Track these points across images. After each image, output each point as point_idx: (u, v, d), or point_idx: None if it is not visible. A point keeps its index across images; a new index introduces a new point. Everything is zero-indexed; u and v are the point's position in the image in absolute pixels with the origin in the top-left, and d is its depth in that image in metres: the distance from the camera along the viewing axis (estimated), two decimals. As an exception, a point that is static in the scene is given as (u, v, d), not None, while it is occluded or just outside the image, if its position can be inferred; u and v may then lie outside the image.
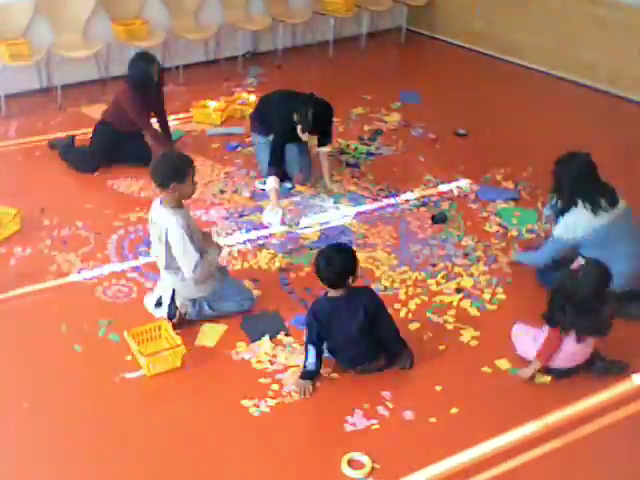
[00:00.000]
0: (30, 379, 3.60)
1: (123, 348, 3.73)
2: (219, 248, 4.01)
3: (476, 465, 3.21)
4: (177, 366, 3.62)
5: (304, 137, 5.01)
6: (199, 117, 6.32)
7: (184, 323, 3.86)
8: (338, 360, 3.63)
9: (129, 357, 3.69)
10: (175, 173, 3.68)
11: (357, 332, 3.47)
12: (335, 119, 5.39)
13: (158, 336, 3.77)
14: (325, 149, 5.24)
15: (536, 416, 3.44)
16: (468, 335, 3.92)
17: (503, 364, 3.74)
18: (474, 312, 4.11)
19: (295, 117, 4.91)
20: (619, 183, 5.51)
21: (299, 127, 4.92)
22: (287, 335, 3.87)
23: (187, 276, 3.76)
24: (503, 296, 4.25)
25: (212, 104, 6.42)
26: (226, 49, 7.54)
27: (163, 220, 3.73)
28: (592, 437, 3.36)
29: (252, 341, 3.83)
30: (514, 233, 4.85)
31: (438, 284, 4.33)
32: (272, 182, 4.93)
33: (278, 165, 5.04)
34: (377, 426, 3.35)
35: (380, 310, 3.56)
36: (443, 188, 5.37)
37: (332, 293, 3.51)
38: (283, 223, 4.84)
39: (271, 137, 5.14)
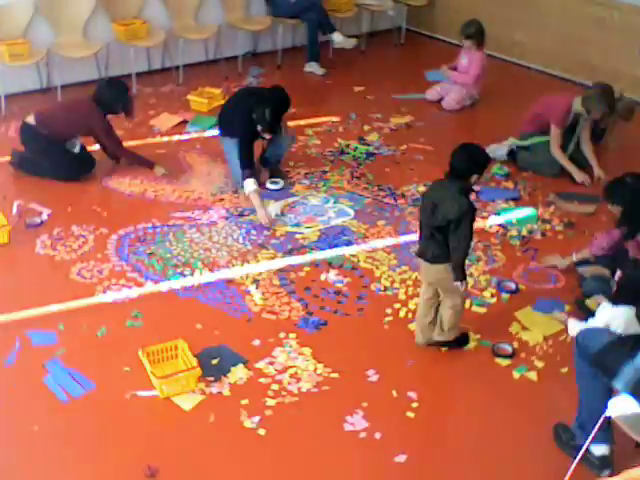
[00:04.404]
0: (30, 386, 3.61)
1: (125, 354, 3.74)
2: None
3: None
4: (192, 387, 3.50)
5: (267, 136, 4.97)
6: (195, 105, 6.45)
7: None
8: None
9: (127, 369, 3.63)
10: None
11: None
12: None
13: (174, 356, 3.63)
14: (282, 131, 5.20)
15: (535, 412, 3.45)
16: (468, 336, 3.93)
17: (503, 361, 3.77)
18: (474, 311, 4.11)
19: (254, 116, 4.86)
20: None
21: (259, 127, 4.87)
22: (246, 365, 3.71)
23: None
24: (503, 296, 4.27)
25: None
26: (226, 49, 7.53)
27: None
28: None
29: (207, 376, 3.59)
30: (514, 233, 4.85)
31: (438, 284, 4.33)
32: (250, 185, 4.82)
33: (250, 166, 4.93)
34: (377, 425, 3.36)
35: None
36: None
37: None
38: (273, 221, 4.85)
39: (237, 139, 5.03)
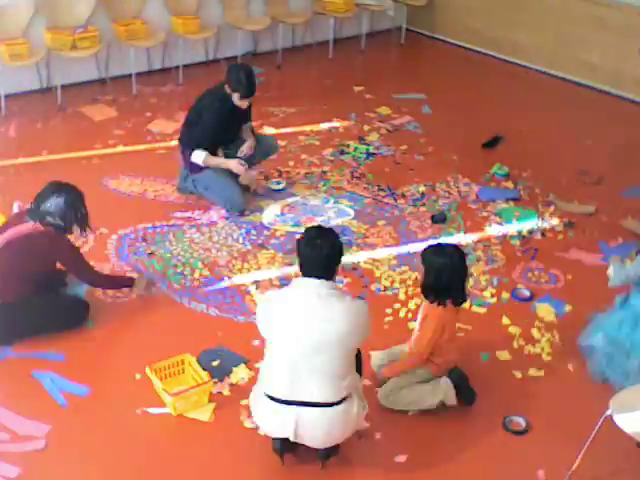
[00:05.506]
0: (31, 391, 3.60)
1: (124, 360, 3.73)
2: None
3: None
4: (204, 404, 3.43)
5: (244, 104, 4.77)
6: (53, 42, 6.30)
7: None
8: None
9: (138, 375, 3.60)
10: None
11: None
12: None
13: (181, 371, 3.56)
14: (251, 123, 5.16)
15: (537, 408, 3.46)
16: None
17: (503, 355, 3.78)
18: (474, 311, 4.11)
19: (227, 89, 4.73)
20: (618, 183, 5.56)
21: (236, 95, 4.69)
22: (247, 365, 3.68)
23: None
24: (502, 295, 4.27)
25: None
26: (226, 49, 7.54)
27: None
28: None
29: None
30: (514, 233, 4.85)
31: (438, 284, 4.32)
32: (200, 153, 4.78)
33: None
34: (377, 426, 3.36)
35: None
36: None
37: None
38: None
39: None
